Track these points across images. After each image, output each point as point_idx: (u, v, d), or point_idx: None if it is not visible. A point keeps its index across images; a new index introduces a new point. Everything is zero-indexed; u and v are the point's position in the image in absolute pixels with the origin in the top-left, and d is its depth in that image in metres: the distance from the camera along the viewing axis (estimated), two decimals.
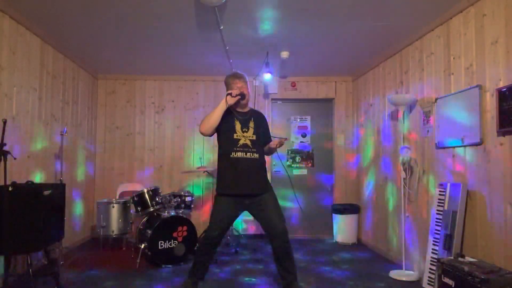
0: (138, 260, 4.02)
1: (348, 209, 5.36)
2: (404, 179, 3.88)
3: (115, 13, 3.44)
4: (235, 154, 3.06)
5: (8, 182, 2.82)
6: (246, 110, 3.22)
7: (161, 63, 5.06)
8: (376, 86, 4.89)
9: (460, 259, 2.70)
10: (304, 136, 5.89)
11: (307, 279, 3.65)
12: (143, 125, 5.70)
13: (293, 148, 5.85)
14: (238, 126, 3.11)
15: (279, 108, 5.92)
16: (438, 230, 3.21)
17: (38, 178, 3.88)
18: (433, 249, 3.22)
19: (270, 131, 3.43)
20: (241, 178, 3.05)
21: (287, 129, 5.89)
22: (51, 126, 4.23)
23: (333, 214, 5.47)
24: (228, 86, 3.19)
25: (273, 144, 3.13)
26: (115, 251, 4.69)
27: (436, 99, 3.49)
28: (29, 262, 2.97)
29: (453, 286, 2.57)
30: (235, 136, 3.08)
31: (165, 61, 4.97)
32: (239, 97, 3.04)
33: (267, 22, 3.66)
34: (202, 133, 3.08)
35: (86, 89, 5.25)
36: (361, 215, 5.41)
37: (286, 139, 3.18)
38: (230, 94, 3.01)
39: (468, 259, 2.71)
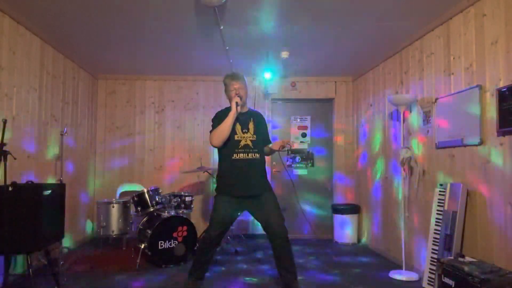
0: (138, 260, 4.01)
1: (348, 209, 5.37)
2: (404, 179, 3.88)
3: (115, 13, 3.44)
4: (237, 155, 3.06)
5: (8, 182, 2.82)
6: (245, 110, 3.23)
7: (161, 63, 5.06)
8: (376, 86, 4.89)
9: (460, 259, 2.70)
10: (304, 136, 5.89)
11: (306, 279, 3.65)
12: (143, 125, 5.70)
13: (294, 148, 5.84)
14: (238, 127, 3.12)
15: (279, 108, 5.92)
16: (438, 230, 3.21)
17: (37, 178, 3.88)
18: (433, 249, 3.22)
19: (270, 133, 3.45)
20: (242, 180, 3.06)
21: (287, 129, 5.89)
22: (51, 126, 4.23)
23: (333, 214, 5.47)
24: (226, 87, 3.20)
25: (275, 146, 3.13)
26: (115, 251, 4.69)
27: (436, 99, 3.49)
28: (29, 262, 2.96)
29: (453, 286, 2.57)
30: (236, 137, 3.09)
31: (165, 61, 4.97)
32: (241, 101, 3.08)
33: (267, 22, 3.65)
34: (215, 147, 3.10)
35: (86, 89, 5.25)
36: (361, 215, 5.41)
37: (288, 141, 3.18)
38: (237, 103, 3.03)
39: (468, 259, 2.71)
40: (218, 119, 3.11)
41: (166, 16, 3.49)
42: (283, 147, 3.11)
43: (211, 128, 3.14)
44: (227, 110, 3.09)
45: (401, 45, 4.13)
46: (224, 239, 4.57)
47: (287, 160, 5.82)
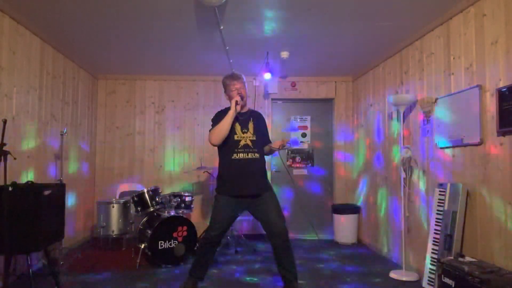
0: (138, 260, 4.02)
1: (348, 209, 5.37)
2: (404, 179, 3.88)
3: (115, 13, 3.43)
4: (237, 155, 3.07)
5: (8, 182, 2.82)
6: (245, 110, 3.23)
7: (161, 63, 5.06)
8: (376, 86, 4.89)
9: (460, 259, 2.70)
10: (304, 136, 5.89)
11: (307, 280, 3.65)
12: (143, 125, 5.70)
13: (294, 147, 5.85)
14: (238, 127, 3.12)
15: (279, 108, 5.92)
16: (438, 230, 3.21)
17: (37, 178, 3.88)
18: (433, 249, 3.22)
19: (270, 134, 3.45)
20: (242, 179, 3.06)
21: (287, 129, 5.89)
22: (51, 126, 4.23)
23: (333, 214, 5.47)
24: (226, 87, 3.20)
25: (275, 145, 3.13)
26: (115, 251, 4.69)
27: (436, 99, 3.49)
28: (29, 262, 2.96)
29: (453, 286, 2.56)
30: (235, 137, 3.09)
31: (165, 61, 4.97)
32: (241, 101, 3.07)
33: (267, 22, 3.66)
34: (213, 145, 3.10)
35: (86, 89, 5.25)
36: (361, 215, 5.41)
37: (288, 140, 3.18)
38: (237, 102, 3.03)
39: (468, 259, 2.71)
40: (218, 118, 3.12)
41: (166, 16, 3.49)
42: (283, 146, 3.11)
43: (210, 128, 3.14)
44: (227, 110, 3.09)
45: (401, 45, 4.13)
46: (224, 239, 4.57)
47: (287, 160, 5.82)
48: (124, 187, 5.39)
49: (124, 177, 5.58)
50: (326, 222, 5.67)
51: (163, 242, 4.04)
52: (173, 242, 4.10)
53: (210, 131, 3.11)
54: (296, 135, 5.88)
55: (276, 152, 3.27)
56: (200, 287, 3.22)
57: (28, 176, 3.66)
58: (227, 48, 4.31)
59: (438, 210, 3.26)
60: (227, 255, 4.58)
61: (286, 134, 5.86)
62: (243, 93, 3.12)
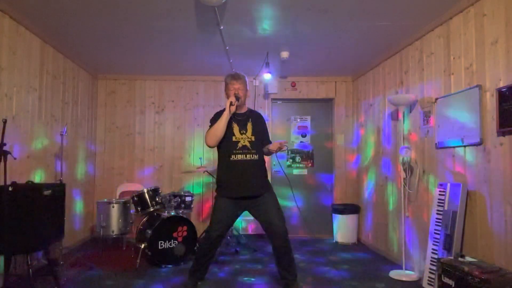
0: (138, 260, 4.02)
1: (348, 209, 5.36)
2: (404, 179, 3.88)
3: (115, 13, 3.44)
4: (235, 156, 3.06)
5: (8, 182, 2.82)
6: (243, 111, 3.23)
7: (161, 63, 5.06)
8: (376, 86, 4.89)
9: (460, 259, 2.70)
10: (304, 136, 5.89)
11: (306, 279, 3.65)
12: (143, 125, 5.70)
13: (293, 148, 5.85)
14: (236, 128, 3.11)
15: (279, 108, 5.92)
16: (438, 230, 3.21)
17: (38, 178, 3.88)
18: (433, 249, 3.22)
19: (270, 133, 3.44)
20: (241, 180, 3.06)
21: (287, 129, 5.89)
22: (51, 126, 4.23)
23: (333, 214, 5.47)
24: (226, 85, 3.20)
25: (272, 148, 3.13)
26: (115, 251, 4.69)
27: (436, 99, 3.49)
28: (29, 262, 2.97)
29: (453, 286, 2.57)
30: (234, 138, 3.09)
31: (165, 61, 4.97)
32: (237, 102, 3.06)
33: (267, 22, 3.66)
34: (209, 146, 3.10)
35: (86, 89, 5.25)
36: (361, 215, 5.40)
37: (285, 142, 3.16)
38: (231, 103, 3.02)
39: (468, 259, 2.72)
40: (215, 119, 3.12)
41: (166, 16, 3.49)
42: (280, 148, 3.10)
43: (208, 128, 3.14)
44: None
45: (401, 45, 4.13)
46: (224, 239, 4.57)
47: (287, 160, 5.82)
48: (124, 187, 5.39)
49: (124, 177, 5.58)
50: (326, 222, 5.67)
51: (163, 242, 4.04)
52: (173, 242, 4.10)
53: (207, 132, 3.11)
54: (296, 136, 5.87)
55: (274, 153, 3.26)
56: (200, 287, 3.22)
57: (28, 176, 3.66)
58: (227, 48, 4.31)
59: (438, 210, 3.26)
60: (227, 255, 4.58)
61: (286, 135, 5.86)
62: (240, 93, 3.11)
